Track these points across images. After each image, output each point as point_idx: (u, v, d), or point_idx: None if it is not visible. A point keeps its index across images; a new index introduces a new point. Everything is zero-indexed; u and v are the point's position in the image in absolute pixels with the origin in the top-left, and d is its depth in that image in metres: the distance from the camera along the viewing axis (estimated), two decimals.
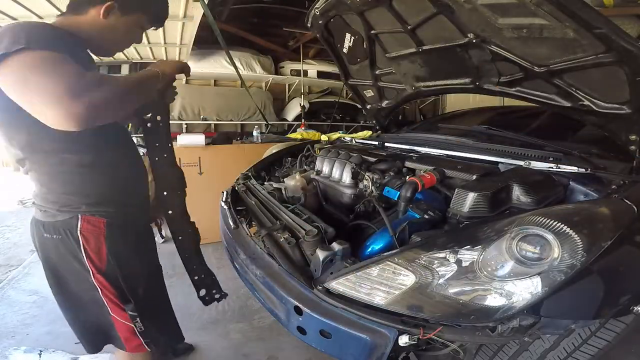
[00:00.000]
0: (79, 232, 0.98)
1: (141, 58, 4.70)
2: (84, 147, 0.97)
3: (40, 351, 1.80)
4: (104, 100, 0.78)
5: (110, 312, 1.07)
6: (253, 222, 1.58)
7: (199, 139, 3.12)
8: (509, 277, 0.83)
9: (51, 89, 0.73)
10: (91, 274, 1.01)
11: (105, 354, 1.79)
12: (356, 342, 0.93)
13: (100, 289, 1.03)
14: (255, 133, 4.38)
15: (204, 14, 2.89)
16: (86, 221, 0.99)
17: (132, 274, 1.08)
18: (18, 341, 1.89)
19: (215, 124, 5.18)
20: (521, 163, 1.31)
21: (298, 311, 1.02)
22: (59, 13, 1.06)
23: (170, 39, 3.84)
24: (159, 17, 1.14)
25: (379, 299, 0.94)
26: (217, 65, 4.97)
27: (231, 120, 5.25)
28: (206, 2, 2.75)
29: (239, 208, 1.67)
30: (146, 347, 1.13)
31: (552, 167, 1.24)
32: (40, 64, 0.74)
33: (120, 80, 0.88)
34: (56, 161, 0.96)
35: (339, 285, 0.99)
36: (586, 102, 1.29)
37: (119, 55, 4.38)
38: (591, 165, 1.23)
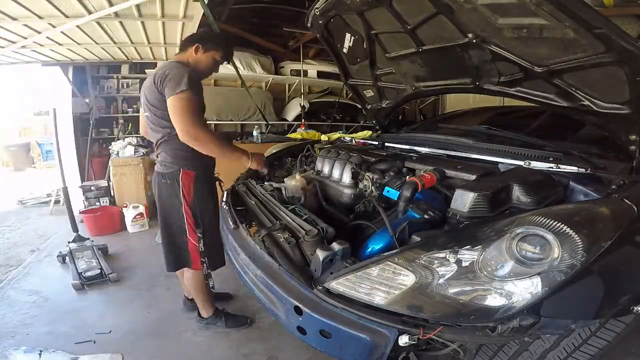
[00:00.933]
0: (180, 179, 1.67)
1: (141, 58, 4.70)
2: None
3: (40, 351, 1.80)
4: (205, 141, 1.55)
5: (188, 235, 1.72)
6: (253, 222, 1.58)
7: None
8: (509, 277, 0.83)
9: (188, 118, 1.50)
10: (182, 206, 1.68)
11: (105, 354, 1.80)
12: (356, 342, 0.93)
13: (186, 218, 1.70)
14: (255, 133, 4.38)
15: (203, 13, 2.89)
16: (184, 173, 1.68)
17: (204, 208, 1.75)
18: (18, 341, 1.89)
19: (215, 124, 5.17)
20: (521, 163, 1.31)
21: (298, 311, 1.02)
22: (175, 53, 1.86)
23: (170, 39, 3.83)
24: (227, 54, 1.83)
25: (379, 299, 0.94)
26: None
27: (231, 120, 5.24)
28: (206, 2, 2.75)
29: (239, 208, 1.67)
30: (201, 265, 1.75)
31: (552, 167, 1.24)
32: (190, 102, 1.51)
33: (219, 139, 1.63)
34: (176, 141, 1.60)
35: (339, 285, 0.99)
36: (586, 102, 1.29)
37: (119, 55, 4.37)
38: (591, 165, 1.23)
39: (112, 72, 4.96)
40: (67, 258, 2.89)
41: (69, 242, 3.08)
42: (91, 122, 4.70)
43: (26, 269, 2.84)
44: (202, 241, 1.71)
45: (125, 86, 5.02)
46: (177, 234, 1.74)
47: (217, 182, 1.95)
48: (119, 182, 4.04)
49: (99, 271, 2.58)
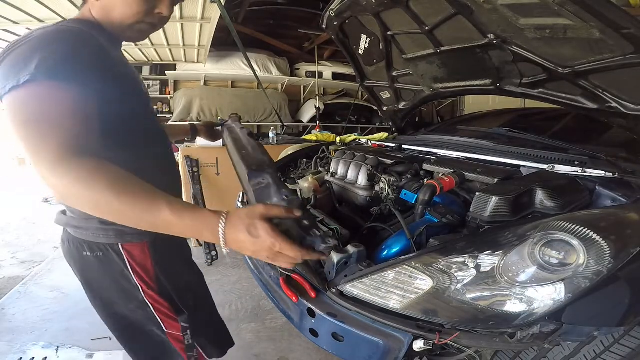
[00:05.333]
0: (124, 254, 0.90)
1: (161, 60, 4.81)
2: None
3: (57, 347, 1.85)
4: (72, 193, 0.62)
5: (163, 326, 0.98)
6: None
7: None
8: (531, 283, 0.80)
9: (31, 144, 0.64)
10: (141, 292, 0.93)
11: (119, 351, 1.83)
12: (369, 346, 0.92)
13: (153, 306, 0.95)
14: (271, 134, 4.41)
15: (221, 15, 2.94)
16: (130, 247, 0.90)
17: (183, 281, 1.01)
18: (37, 337, 1.95)
19: None
20: (544, 167, 1.27)
21: (311, 313, 1.02)
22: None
23: (189, 41, 3.91)
24: None
25: (394, 302, 0.92)
26: (234, 67, 5.04)
27: (248, 122, 5.31)
28: (223, 4, 2.79)
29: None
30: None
31: (577, 171, 1.20)
32: (41, 106, 0.66)
33: (116, 179, 0.62)
34: None
35: (353, 288, 0.98)
36: (614, 104, 1.25)
37: (140, 56, 4.47)
38: (619, 169, 1.18)
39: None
40: None
41: None
42: None
43: (49, 265, 2.94)
44: (188, 332, 0.99)
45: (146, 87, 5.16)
46: (142, 324, 0.97)
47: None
48: None
49: None
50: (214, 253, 2.78)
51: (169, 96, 5.31)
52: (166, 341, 0.99)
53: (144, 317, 0.95)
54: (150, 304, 0.94)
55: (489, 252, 0.86)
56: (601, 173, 1.16)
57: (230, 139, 1.33)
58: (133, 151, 0.85)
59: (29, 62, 0.63)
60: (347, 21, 1.91)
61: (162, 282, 0.95)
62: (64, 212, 0.95)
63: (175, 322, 0.97)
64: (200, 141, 3.11)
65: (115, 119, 0.77)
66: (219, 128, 1.47)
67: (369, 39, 1.98)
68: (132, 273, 0.90)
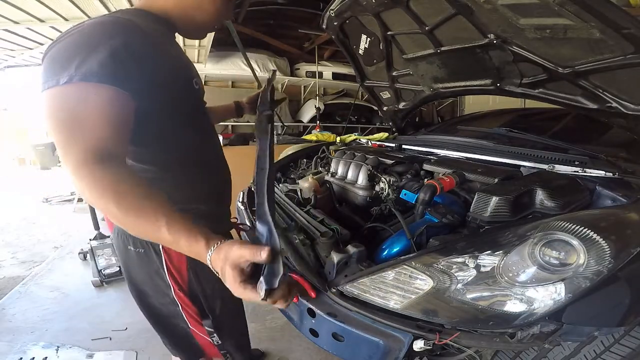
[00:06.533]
0: (162, 250, 0.94)
1: None
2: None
3: (58, 347, 1.85)
4: (89, 191, 0.62)
5: (189, 325, 1.06)
6: None
7: None
8: (531, 283, 0.80)
9: (61, 140, 0.66)
10: (172, 290, 1.00)
11: (119, 351, 1.83)
12: (369, 346, 0.92)
13: (181, 306, 1.02)
14: None
15: None
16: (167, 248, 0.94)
17: (213, 288, 1.03)
18: (37, 337, 1.95)
19: (232, 125, 5.24)
20: (545, 167, 1.27)
21: (311, 313, 1.01)
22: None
23: (189, 41, 3.90)
24: None
25: (394, 302, 0.92)
26: (234, 67, 5.03)
27: (248, 122, 5.30)
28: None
29: (255, 209, 1.68)
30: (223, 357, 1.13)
31: (577, 171, 1.20)
32: (77, 106, 0.67)
33: (125, 192, 0.63)
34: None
35: (353, 288, 0.98)
36: (614, 104, 1.25)
37: None
38: (619, 169, 1.18)
39: None
40: (88, 255, 2.97)
41: (90, 240, 3.16)
42: None
43: (49, 265, 2.94)
44: (215, 335, 1.07)
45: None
46: (169, 317, 1.05)
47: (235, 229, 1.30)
48: None
49: (117, 269, 2.64)
50: None
51: None
52: (192, 337, 1.07)
53: (174, 313, 1.03)
54: (179, 304, 1.00)
55: (489, 252, 0.86)
56: (601, 173, 1.16)
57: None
58: (185, 149, 0.88)
59: (70, 62, 0.64)
60: (347, 21, 1.91)
61: (192, 287, 1.00)
62: None
63: (200, 326, 1.04)
64: None
65: (163, 119, 0.79)
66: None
67: (369, 39, 1.97)
68: (166, 273, 0.96)
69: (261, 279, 0.59)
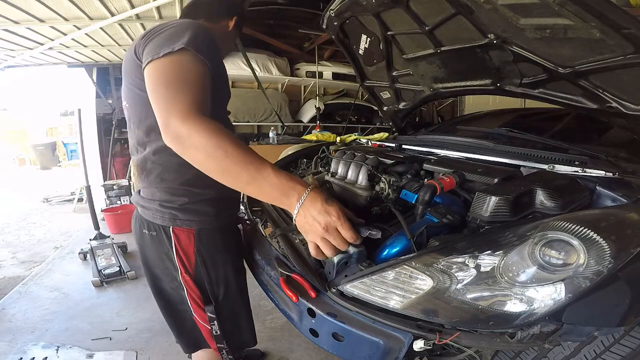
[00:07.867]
0: (172, 234, 1.07)
1: None
2: None
3: (58, 347, 1.85)
4: (194, 144, 0.74)
5: (192, 312, 1.14)
6: (268, 223, 1.59)
7: None
8: (531, 283, 0.80)
9: (169, 97, 0.81)
10: (179, 272, 1.09)
11: (119, 351, 1.83)
12: (369, 346, 0.92)
13: (186, 289, 1.10)
14: (271, 134, 4.41)
15: None
16: (178, 231, 1.07)
17: (217, 275, 1.13)
18: (37, 337, 1.95)
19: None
20: (545, 167, 1.27)
21: (311, 313, 1.01)
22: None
23: None
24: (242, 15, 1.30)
25: (394, 302, 0.92)
26: (234, 67, 5.04)
27: (248, 122, 5.31)
28: None
29: (255, 209, 1.68)
30: (219, 352, 1.19)
31: (577, 171, 1.20)
32: (183, 70, 0.86)
33: (233, 144, 0.74)
34: (163, 157, 1.02)
35: (353, 288, 0.98)
36: (614, 104, 1.25)
37: None
38: (619, 169, 1.18)
39: None
40: (88, 255, 2.98)
41: (90, 240, 3.17)
42: (114, 122, 4.84)
43: (49, 265, 2.94)
44: (215, 323, 1.12)
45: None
46: (178, 302, 1.15)
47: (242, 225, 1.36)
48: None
49: (117, 269, 2.65)
50: None
51: None
52: (196, 325, 1.15)
53: (183, 298, 1.11)
54: (185, 287, 1.09)
55: (489, 252, 0.85)
56: (601, 173, 1.16)
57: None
58: None
59: (182, 35, 0.85)
60: (347, 21, 1.91)
61: (199, 270, 1.09)
62: (138, 192, 1.13)
63: (202, 312, 1.11)
64: None
65: (216, 101, 0.93)
66: None
67: (369, 39, 1.97)
68: (175, 255, 1.05)
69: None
